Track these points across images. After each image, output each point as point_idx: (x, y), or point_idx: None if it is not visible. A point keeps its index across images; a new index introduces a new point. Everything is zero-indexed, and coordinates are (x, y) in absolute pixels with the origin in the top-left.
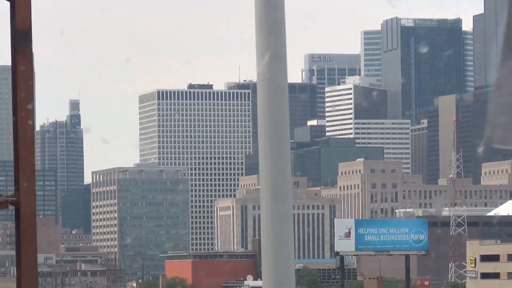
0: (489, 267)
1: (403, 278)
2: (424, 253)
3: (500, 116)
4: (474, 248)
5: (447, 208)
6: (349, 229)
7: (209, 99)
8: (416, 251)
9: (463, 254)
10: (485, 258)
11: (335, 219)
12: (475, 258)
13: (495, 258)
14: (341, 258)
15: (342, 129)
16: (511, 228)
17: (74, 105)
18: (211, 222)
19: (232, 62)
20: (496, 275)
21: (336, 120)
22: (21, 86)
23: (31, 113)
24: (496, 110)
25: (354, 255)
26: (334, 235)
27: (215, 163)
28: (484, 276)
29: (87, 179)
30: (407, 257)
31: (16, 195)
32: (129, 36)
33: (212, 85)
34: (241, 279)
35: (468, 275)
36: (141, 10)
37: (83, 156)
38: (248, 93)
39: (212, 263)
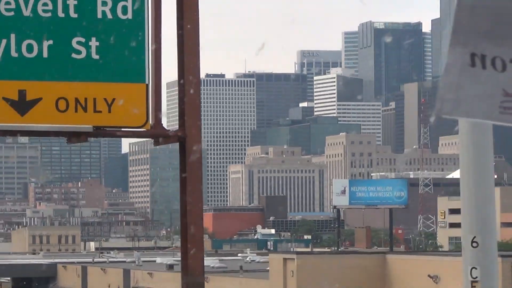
0: (456, 218)
1: (382, 227)
2: (404, 206)
3: (448, 93)
4: (444, 203)
5: (411, 172)
6: (344, 187)
7: (222, 86)
8: (398, 205)
9: (430, 209)
10: (452, 211)
11: (333, 179)
12: (444, 211)
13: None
14: (337, 211)
15: (327, 110)
16: None
17: None
18: (225, 183)
19: (240, 57)
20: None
21: (322, 103)
22: (188, 40)
23: (196, 65)
24: (445, 88)
25: (348, 208)
26: (332, 192)
27: (227, 136)
28: (452, 225)
29: (125, 149)
30: (391, 210)
31: (182, 130)
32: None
33: (224, 74)
34: (252, 228)
35: (439, 225)
36: (170, 13)
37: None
38: (253, 81)
39: (228, 215)
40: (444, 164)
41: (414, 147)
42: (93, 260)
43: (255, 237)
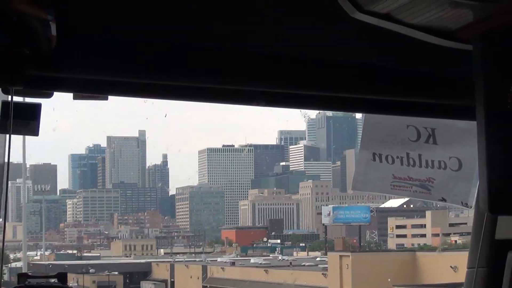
0: (400, 231)
1: (348, 238)
2: (368, 224)
3: (359, 176)
4: (392, 221)
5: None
6: (329, 211)
7: (233, 152)
8: (364, 223)
9: (373, 226)
10: (398, 227)
11: (322, 206)
12: (393, 226)
13: (404, 226)
14: (325, 227)
15: (298, 167)
16: (394, 213)
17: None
18: (237, 212)
19: (240, 133)
20: (404, 236)
21: (295, 162)
22: None
23: None
24: (357, 173)
25: (332, 225)
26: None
27: (236, 183)
28: (398, 236)
29: (172, 192)
30: (360, 226)
31: None
32: (196, 123)
33: (234, 145)
34: (260, 239)
35: (389, 236)
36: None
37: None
38: (251, 149)
39: (245, 231)
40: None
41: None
42: (173, 260)
43: (268, 245)
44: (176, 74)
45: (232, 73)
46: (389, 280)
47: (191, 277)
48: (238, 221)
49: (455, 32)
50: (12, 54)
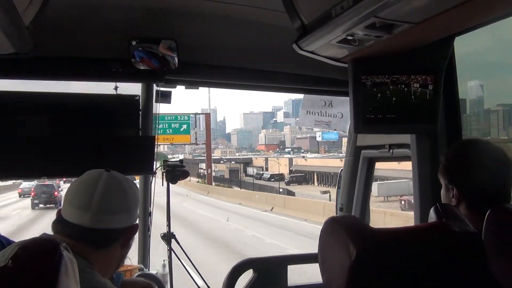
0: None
1: (321, 147)
2: (336, 140)
3: (301, 120)
4: (345, 139)
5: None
6: (320, 134)
7: (253, 115)
8: (335, 140)
9: (325, 142)
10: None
11: (316, 132)
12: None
13: None
14: (317, 142)
15: (281, 120)
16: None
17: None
18: (257, 140)
19: (256, 106)
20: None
21: (280, 118)
22: None
23: None
24: (300, 118)
25: (321, 141)
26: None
27: (255, 127)
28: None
29: (228, 131)
30: (333, 141)
31: None
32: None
33: (253, 111)
34: (276, 149)
35: (343, 146)
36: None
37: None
38: (261, 113)
39: (268, 146)
40: (316, 132)
41: (310, 128)
42: (262, 156)
43: (285, 151)
44: (222, 78)
45: (246, 79)
46: None
47: (279, 165)
48: (259, 143)
49: (340, 58)
50: (158, 70)
